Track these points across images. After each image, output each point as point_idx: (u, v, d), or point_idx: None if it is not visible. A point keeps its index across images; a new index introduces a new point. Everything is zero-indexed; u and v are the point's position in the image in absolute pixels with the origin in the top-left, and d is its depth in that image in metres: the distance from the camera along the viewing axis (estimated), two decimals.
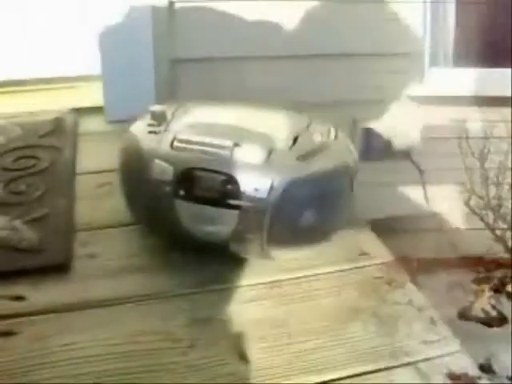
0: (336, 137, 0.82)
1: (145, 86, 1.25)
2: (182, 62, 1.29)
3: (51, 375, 0.66)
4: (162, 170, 0.76)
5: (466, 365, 0.69)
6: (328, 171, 0.76)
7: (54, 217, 0.91)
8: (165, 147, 0.77)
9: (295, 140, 0.78)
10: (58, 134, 1.16)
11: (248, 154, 0.74)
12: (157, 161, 0.76)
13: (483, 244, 1.82)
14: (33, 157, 1.07)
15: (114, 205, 0.93)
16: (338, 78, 1.42)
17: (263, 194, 0.73)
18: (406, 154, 1.54)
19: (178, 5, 1.24)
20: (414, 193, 1.60)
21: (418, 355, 0.70)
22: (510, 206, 1.52)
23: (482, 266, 1.76)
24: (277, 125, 0.82)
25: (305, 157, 0.75)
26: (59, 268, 0.81)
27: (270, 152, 0.75)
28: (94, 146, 1.16)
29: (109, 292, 0.78)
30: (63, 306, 0.76)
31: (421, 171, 1.54)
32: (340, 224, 0.82)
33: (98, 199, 0.98)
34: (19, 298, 0.77)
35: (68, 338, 0.71)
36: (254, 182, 0.73)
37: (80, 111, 1.28)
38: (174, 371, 0.67)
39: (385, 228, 1.19)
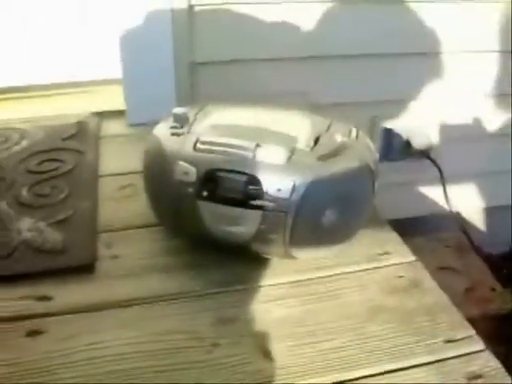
0: (357, 137, 0.82)
1: (165, 89, 1.26)
2: (201, 65, 1.29)
3: (76, 374, 0.67)
4: (185, 171, 0.76)
5: (489, 364, 0.69)
6: (349, 171, 0.76)
7: (78, 218, 0.92)
8: (188, 149, 0.78)
9: (316, 140, 0.79)
10: (80, 138, 1.17)
11: (270, 155, 0.75)
12: (180, 162, 0.77)
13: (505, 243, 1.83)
14: (56, 160, 1.08)
15: (137, 206, 0.94)
16: (357, 79, 1.43)
17: (286, 194, 0.73)
18: (425, 154, 1.54)
19: (197, 8, 1.24)
20: (434, 192, 1.60)
21: (441, 354, 0.71)
22: None
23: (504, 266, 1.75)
24: (298, 125, 0.83)
25: (326, 157, 0.75)
26: (83, 269, 0.82)
27: (291, 152, 0.75)
28: (116, 149, 1.17)
29: (133, 292, 0.79)
30: (88, 305, 0.77)
31: (440, 170, 1.54)
32: (362, 224, 0.82)
33: (121, 201, 0.99)
34: (45, 298, 0.78)
35: (93, 337, 0.72)
36: (277, 183, 0.74)
37: (102, 115, 1.29)
38: (198, 369, 0.68)
39: (406, 227, 1.20)
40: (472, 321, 0.79)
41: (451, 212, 1.57)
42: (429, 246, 1.58)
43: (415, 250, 0.92)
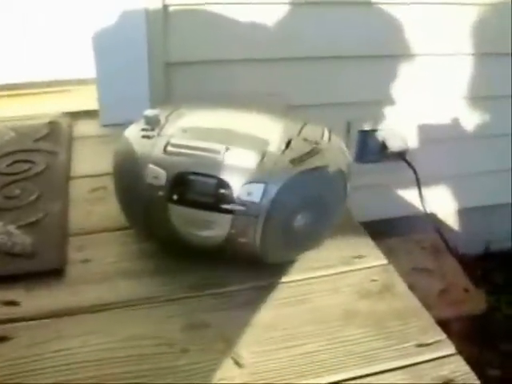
0: (330, 140, 0.82)
1: (139, 90, 1.25)
2: (176, 65, 1.28)
3: (45, 381, 0.66)
4: (155, 174, 0.76)
5: (460, 369, 0.69)
6: (321, 175, 0.76)
7: (48, 221, 0.91)
8: (158, 152, 0.77)
9: (288, 143, 0.78)
10: (52, 138, 1.16)
11: (241, 158, 0.74)
12: (150, 165, 0.76)
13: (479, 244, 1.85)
14: (27, 161, 1.06)
15: (109, 209, 0.93)
16: (332, 80, 1.43)
17: (256, 198, 0.73)
18: (401, 156, 1.55)
19: (171, 8, 1.23)
20: (410, 194, 1.61)
21: (412, 358, 0.71)
22: None
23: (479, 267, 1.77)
24: (270, 128, 0.82)
25: (298, 160, 0.75)
26: (53, 273, 0.81)
27: (262, 156, 0.75)
28: (89, 150, 1.16)
29: (103, 297, 0.78)
30: (57, 311, 0.75)
31: (416, 172, 1.55)
32: (333, 228, 0.82)
33: (93, 203, 0.98)
34: (13, 303, 0.76)
35: (62, 343, 0.70)
36: (247, 186, 0.73)
37: (74, 115, 1.28)
38: (167, 376, 0.67)
39: (382, 229, 1.20)
40: (445, 322, 0.79)
41: (426, 213, 1.58)
42: (404, 247, 1.59)
43: (391, 251, 0.92)
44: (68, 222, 0.92)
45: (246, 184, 0.73)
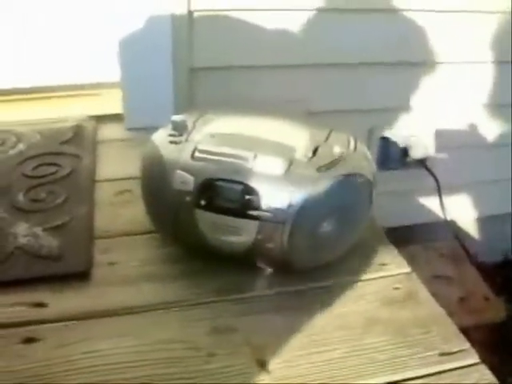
0: (355, 148, 0.82)
1: (164, 94, 1.26)
2: (200, 71, 1.29)
3: (72, 382, 0.66)
4: (183, 180, 0.76)
5: (484, 377, 0.69)
6: (347, 183, 0.76)
7: (74, 224, 0.92)
8: (186, 157, 0.78)
9: (315, 151, 0.79)
10: (78, 141, 1.17)
11: (268, 165, 0.75)
12: (178, 171, 0.77)
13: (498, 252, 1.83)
14: (53, 164, 1.07)
15: (134, 212, 0.93)
16: (354, 87, 1.43)
17: (283, 205, 0.73)
18: (422, 163, 1.55)
19: (196, 14, 1.24)
20: (430, 201, 1.61)
21: (436, 367, 0.71)
22: None
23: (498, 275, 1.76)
24: (296, 135, 0.83)
25: (325, 168, 0.76)
26: (79, 275, 0.82)
27: (290, 163, 0.76)
28: (114, 154, 1.17)
29: (129, 300, 0.79)
30: (84, 313, 0.76)
31: (437, 179, 1.55)
32: (359, 235, 0.82)
33: (118, 207, 0.99)
34: (40, 305, 0.77)
35: (89, 345, 0.71)
36: (274, 193, 0.74)
37: (99, 118, 1.29)
38: (195, 380, 0.67)
39: (402, 235, 1.20)
40: (465, 330, 0.79)
41: (446, 221, 1.57)
42: (424, 255, 1.59)
43: (410, 258, 0.92)
44: (93, 225, 0.93)
45: (273, 191, 0.74)
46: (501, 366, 1.44)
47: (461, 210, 1.69)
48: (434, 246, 1.63)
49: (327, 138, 0.82)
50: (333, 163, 0.77)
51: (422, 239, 1.62)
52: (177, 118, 0.84)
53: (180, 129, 0.83)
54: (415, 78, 1.47)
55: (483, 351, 0.79)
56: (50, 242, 0.88)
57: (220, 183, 0.75)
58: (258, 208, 0.74)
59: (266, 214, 0.74)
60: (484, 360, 0.73)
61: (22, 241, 0.87)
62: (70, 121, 1.25)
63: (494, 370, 0.72)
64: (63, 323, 0.75)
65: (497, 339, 1.50)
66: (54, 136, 1.18)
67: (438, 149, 1.56)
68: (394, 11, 1.36)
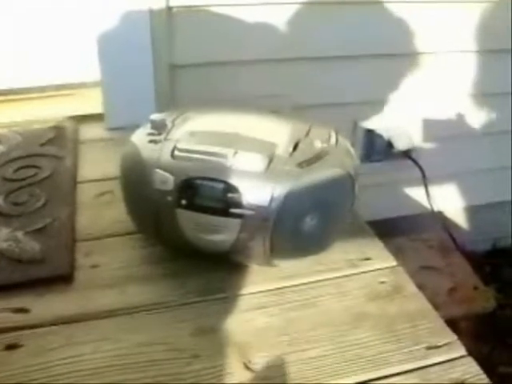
0: (337, 142, 0.82)
1: (144, 92, 1.25)
2: (181, 68, 1.28)
3: None
4: (163, 179, 0.75)
5: (471, 370, 0.69)
6: (329, 178, 0.75)
7: (56, 227, 0.91)
8: (165, 156, 0.77)
9: (296, 146, 0.78)
10: (58, 142, 1.15)
11: (248, 162, 0.74)
12: (157, 170, 0.76)
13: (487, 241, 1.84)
14: (34, 166, 1.06)
15: (116, 213, 0.93)
16: (337, 80, 1.42)
17: (265, 202, 0.72)
18: (407, 154, 1.54)
19: (175, 9, 1.23)
20: (416, 192, 1.61)
21: (423, 361, 0.70)
22: None
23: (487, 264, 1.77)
24: (277, 131, 0.82)
25: (306, 164, 0.75)
26: (62, 279, 0.81)
27: (270, 159, 0.75)
28: (95, 154, 1.15)
29: (112, 303, 0.78)
30: (67, 317, 0.75)
31: (422, 170, 1.54)
32: (342, 230, 0.82)
33: (100, 208, 0.98)
34: (22, 310, 0.76)
35: (72, 350, 0.70)
36: (256, 190, 0.73)
37: (79, 119, 1.27)
38: (178, 382, 0.67)
39: (388, 227, 1.20)
40: (456, 321, 0.79)
41: (433, 212, 1.57)
42: (411, 246, 1.59)
43: (397, 251, 0.92)
44: (75, 227, 0.92)
45: (254, 188, 0.73)
46: (491, 355, 1.45)
47: (448, 200, 1.69)
48: (422, 237, 1.63)
49: (308, 133, 0.81)
50: (314, 158, 0.76)
51: (410, 231, 1.62)
52: (156, 116, 0.83)
53: (159, 127, 0.81)
54: (398, 69, 1.47)
55: (474, 341, 0.79)
56: (32, 246, 0.86)
57: (200, 182, 0.74)
58: (239, 206, 0.73)
59: (247, 211, 0.73)
60: (474, 350, 0.73)
61: (3, 245, 0.86)
62: (51, 122, 1.24)
63: (484, 359, 0.72)
64: (45, 328, 0.74)
65: (487, 329, 1.51)
66: (35, 137, 1.17)
67: (423, 139, 1.56)
68: (374, 3, 1.35)
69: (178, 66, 1.28)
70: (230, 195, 0.73)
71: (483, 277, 1.57)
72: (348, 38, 1.36)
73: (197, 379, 0.67)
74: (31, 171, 1.05)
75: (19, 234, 0.89)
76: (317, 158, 0.76)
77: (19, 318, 0.75)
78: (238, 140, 0.78)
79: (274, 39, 1.31)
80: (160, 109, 1.11)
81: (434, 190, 1.58)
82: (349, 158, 0.80)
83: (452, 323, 0.77)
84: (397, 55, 1.44)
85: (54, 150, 1.13)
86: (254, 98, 1.23)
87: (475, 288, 1.50)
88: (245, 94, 1.28)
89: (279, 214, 0.73)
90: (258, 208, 0.73)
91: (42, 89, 1.38)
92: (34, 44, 1.36)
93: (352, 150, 0.83)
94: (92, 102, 1.31)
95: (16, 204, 0.96)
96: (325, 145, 0.79)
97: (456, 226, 1.76)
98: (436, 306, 0.79)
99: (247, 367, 0.69)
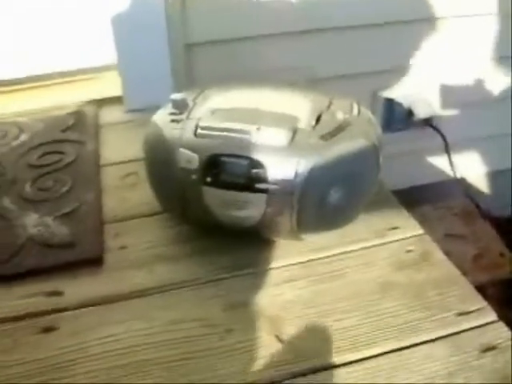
0: (359, 113, 0.81)
1: (161, 73, 1.24)
2: (197, 46, 1.27)
3: (91, 368, 0.67)
4: (187, 158, 0.76)
5: (502, 335, 0.69)
6: (353, 150, 0.75)
7: (84, 210, 0.92)
8: (188, 135, 0.77)
9: (318, 119, 0.78)
10: (79, 127, 1.16)
11: (272, 137, 0.74)
12: (181, 149, 0.76)
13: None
14: (57, 152, 1.07)
15: (141, 194, 0.94)
16: (355, 50, 1.41)
17: (290, 176, 0.73)
18: (427, 122, 1.53)
19: None
20: (439, 160, 1.59)
21: (453, 328, 0.71)
22: None
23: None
24: (298, 105, 0.82)
25: (329, 136, 0.75)
26: (93, 261, 0.82)
27: (293, 133, 0.75)
28: (116, 137, 1.16)
29: (142, 282, 0.79)
30: (99, 298, 0.77)
31: (444, 137, 1.53)
32: (368, 201, 0.82)
33: (125, 190, 0.98)
34: (56, 294, 0.78)
35: (106, 330, 0.72)
36: (280, 165, 0.73)
37: (99, 102, 1.28)
38: (212, 357, 0.68)
39: (412, 196, 1.19)
40: (482, 287, 0.79)
41: (456, 178, 1.56)
42: (436, 214, 1.58)
43: (422, 219, 0.91)
44: (102, 210, 0.93)
45: (278, 162, 0.73)
46: None
47: (470, 167, 1.68)
48: (446, 204, 1.62)
49: (330, 105, 0.81)
50: (337, 130, 0.76)
51: (433, 199, 1.61)
52: (176, 96, 0.83)
53: (180, 107, 0.82)
54: (417, 35, 1.44)
55: (500, 307, 0.78)
56: (61, 230, 0.88)
57: (225, 159, 0.75)
58: (264, 181, 0.73)
59: (273, 186, 0.73)
60: (501, 316, 0.72)
61: (33, 231, 0.87)
62: (71, 107, 1.24)
63: (510, 325, 0.72)
64: (79, 310, 0.75)
65: None
66: (56, 124, 1.18)
67: (443, 106, 1.54)
68: None
69: (194, 45, 1.27)
70: (254, 171, 0.74)
71: (509, 242, 1.56)
72: (365, 7, 1.34)
73: (231, 353, 0.68)
74: (55, 157, 1.06)
75: (48, 220, 0.90)
76: (340, 129, 0.76)
77: (53, 302, 0.77)
78: (259, 115, 0.78)
79: (290, 11, 1.29)
80: (178, 88, 1.11)
81: (456, 156, 1.56)
82: (372, 128, 0.80)
83: (478, 290, 0.77)
84: (414, 21, 1.42)
85: (76, 135, 1.14)
86: (272, 71, 1.22)
87: (501, 254, 1.50)
88: (263, 69, 1.27)
89: (304, 187, 0.73)
90: (283, 182, 0.73)
91: (58, 75, 1.38)
92: (49, 30, 1.36)
93: (374, 121, 0.82)
94: (110, 86, 1.31)
95: (42, 190, 0.97)
96: (347, 116, 0.79)
97: (479, 192, 1.75)
98: (462, 273, 0.79)
99: (279, 339, 0.69)
